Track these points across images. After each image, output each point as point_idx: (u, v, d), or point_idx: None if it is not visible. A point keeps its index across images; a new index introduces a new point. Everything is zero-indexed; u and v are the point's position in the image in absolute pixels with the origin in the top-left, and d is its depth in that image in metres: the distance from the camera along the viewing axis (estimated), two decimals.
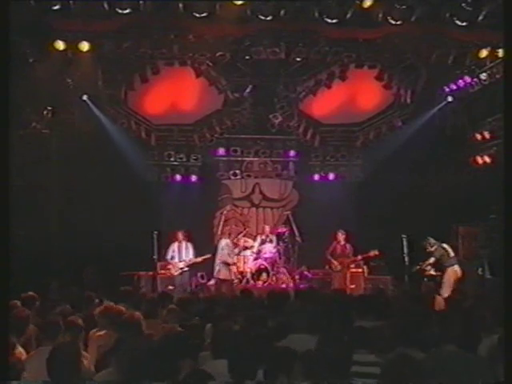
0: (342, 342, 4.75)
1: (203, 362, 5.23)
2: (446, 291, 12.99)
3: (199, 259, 14.84)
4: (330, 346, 4.62)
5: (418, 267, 14.31)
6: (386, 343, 5.28)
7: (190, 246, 14.88)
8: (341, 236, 15.11)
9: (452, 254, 14.02)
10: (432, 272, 14.13)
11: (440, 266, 14.05)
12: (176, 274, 14.68)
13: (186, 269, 14.75)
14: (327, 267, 15.42)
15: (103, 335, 6.38)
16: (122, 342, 5.60)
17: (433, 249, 14.00)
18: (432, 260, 14.03)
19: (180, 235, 14.80)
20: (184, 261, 14.71)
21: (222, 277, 14.81)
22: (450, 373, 4.80)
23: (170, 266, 14.80)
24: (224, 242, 15.15)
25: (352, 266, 15.27)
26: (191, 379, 4.40)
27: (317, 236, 15.30)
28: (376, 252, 14.77)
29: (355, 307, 7.12)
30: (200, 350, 5.44)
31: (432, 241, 14.02)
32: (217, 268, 14.90)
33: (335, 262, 14.98)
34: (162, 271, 15.04)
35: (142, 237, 14.57)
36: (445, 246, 14.07)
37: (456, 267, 13.90)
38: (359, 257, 15.06)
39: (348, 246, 15.14)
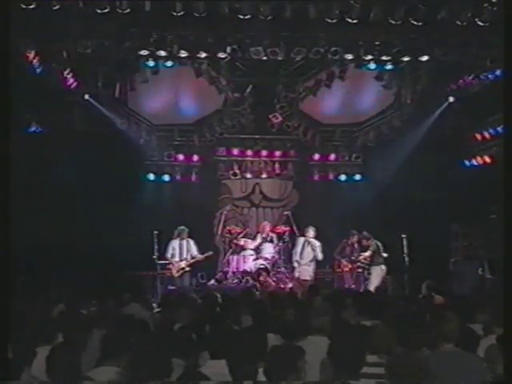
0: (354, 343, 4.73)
1: (202, 362, 5.23)
2: (371, 288, 13.35)
3: (201, 256, 14.61)
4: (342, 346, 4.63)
5: (353, 258, 14.44)
6: (385, 343, 5.28)
7: (191, 242, 14.61)
8: (352, 237, 14.98)
9: (383, 252, 14.09)
10: (365, 266, 14.32)
11: (371, 262, 14.28)
12: (177, 275, 14.44)
13: (188, 269, 14.51)
14: (336, 267, 15.35)
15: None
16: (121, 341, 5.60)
17: (368, 243, 14.21)
18: (368, 254, 14.26)
19: (183, 233, 14.55)
20: (185, 259, 14.44)
21: (303, 277, 14.68)
22: (450, 373, 4.81)
23: (170, 266, 14.57)
24: (302, 240, 15.00)
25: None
26: (186, 379, 4.41)
27: (316, 236, 15.26)
28: (385, 254, 14.60)
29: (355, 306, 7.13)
30: (199, 350, 5.44)
31: (367, 235, 14.25)
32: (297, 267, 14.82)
33: (344, 262, 14.88)
34: (162, 271, 14.99)
35: (142, 237, 14.57)
36: (378, 243, 14.15)
37: (383, 266, 14.11)
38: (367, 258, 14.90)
39: (357, 246, 15.00)
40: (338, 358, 4.54)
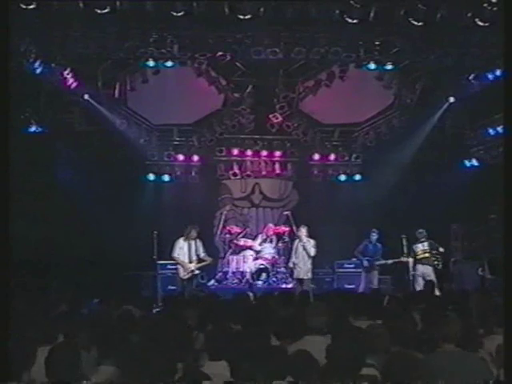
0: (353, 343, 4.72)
1: (202, 362, 5.23)
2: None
3: (210, 259, 14.11)
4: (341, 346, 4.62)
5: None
6: (384, 343, 5.27)
7: (199, 243, 13.90)
8: (373, 236, 14.87)
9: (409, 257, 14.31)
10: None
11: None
12: (185, 277, 13.68)
13: (197, 272, 13.82)
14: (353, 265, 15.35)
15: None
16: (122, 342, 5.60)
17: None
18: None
19: (194, 233, 13.77)
20: (195, 261, 13.74)
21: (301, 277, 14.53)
22: (450, 373, 4.80)
23: (178, 267, 13.82)
24: (296, 240, 14.84)
25: None
26: (187, 379, 4.41)
27: (316, 236, 15.25)
28: (407, 258, 14.55)
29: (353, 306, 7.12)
30: (198, 351, 5.44)
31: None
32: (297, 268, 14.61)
33: (366, 263, 14.84)
34: (163, 271, 14.93)
35: (142, 237, 14.56)
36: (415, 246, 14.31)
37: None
38: (390, 261, 14.75)
39: (379, 245, 14.92)
40: (337, 360, 4.52)
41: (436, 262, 14.20)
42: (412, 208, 15.68)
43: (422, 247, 14.23)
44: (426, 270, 14.08)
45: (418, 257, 14.19)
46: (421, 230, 14.31)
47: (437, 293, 12.17)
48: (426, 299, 8.48)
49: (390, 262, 14.71)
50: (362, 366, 4.55)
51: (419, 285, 13.80)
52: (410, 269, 14.19)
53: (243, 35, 13.19)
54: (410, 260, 14.23)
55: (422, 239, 14.21)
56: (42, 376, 4.70)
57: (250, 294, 9.89)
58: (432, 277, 13.86)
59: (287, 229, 16.24)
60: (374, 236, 14.80)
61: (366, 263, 14.81)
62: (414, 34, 12.95)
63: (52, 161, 15.19)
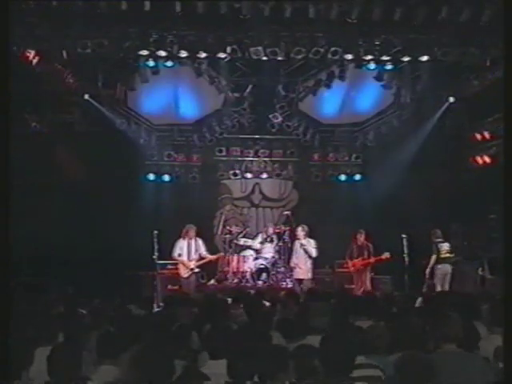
0: (345, 343, 4.71)
1: (201, 362, 5.23)
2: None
3: (213, 257, 14.33)
4: (333, 346, 4.61)
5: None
6: (385, 344, 5.27)
7: (200, 241, 14.20)
8: (360, 236, 14.89)
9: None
10: None
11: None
12: (185, 276, 13.97)
13: (197, 270, 14.12)
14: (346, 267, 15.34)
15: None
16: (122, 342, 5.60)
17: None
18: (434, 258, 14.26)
19: (191, 232, 14.09)
20: (194, 259, 13.99)
21: (301, 277, 14.64)
22: (452, 374, 4.79)
23: (179, 266, 14.13)
24: (296, 241, 14.87)
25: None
26: (186, 379, 4.41)
27: (316, 236, 15.26)
28: (387, 255, 14.53)
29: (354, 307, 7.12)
30: (198, 351, 5.44)
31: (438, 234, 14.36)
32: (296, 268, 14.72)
33: (349, 263, 14.84)
34: (163, 271, 14.93)
35: (141, 237, 14.55)
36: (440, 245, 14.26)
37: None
38: (372, 259, 14.77)
39: (368, 246, 14.85)
40: (329, 359, 4.52)
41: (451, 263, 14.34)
42: (412, 208, 15.66)
43: (446, 247, 14.32)
44: (448, 269, 14.17)
45: (442, 255, 14.24)
46: (435, 230, 14.45)
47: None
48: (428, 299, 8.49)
49: (372, 260, 14.70)
50: (353, 366, 4.55)
51: (439, 282, 13.93)
52: (430, 266, 14.19)
53: (243, 35, 13.20)
54: (433, 257, 14.20)
55: (439, 239, 14.30)
56: (40, 376, 4.71)
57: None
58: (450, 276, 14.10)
59: (287, 229, 16.21)
60: (362, 237, 14.80)
61: (349, 264, 14.86)
62: (414, 34, 12.95)
63: (52, 161, 15.17)
